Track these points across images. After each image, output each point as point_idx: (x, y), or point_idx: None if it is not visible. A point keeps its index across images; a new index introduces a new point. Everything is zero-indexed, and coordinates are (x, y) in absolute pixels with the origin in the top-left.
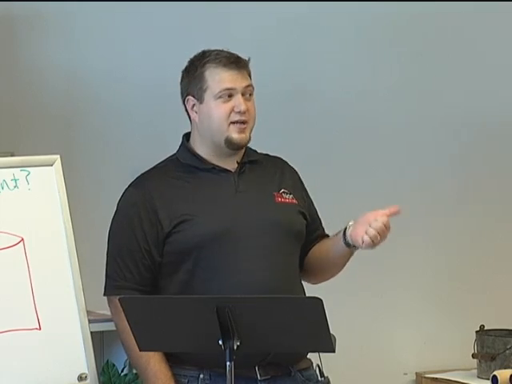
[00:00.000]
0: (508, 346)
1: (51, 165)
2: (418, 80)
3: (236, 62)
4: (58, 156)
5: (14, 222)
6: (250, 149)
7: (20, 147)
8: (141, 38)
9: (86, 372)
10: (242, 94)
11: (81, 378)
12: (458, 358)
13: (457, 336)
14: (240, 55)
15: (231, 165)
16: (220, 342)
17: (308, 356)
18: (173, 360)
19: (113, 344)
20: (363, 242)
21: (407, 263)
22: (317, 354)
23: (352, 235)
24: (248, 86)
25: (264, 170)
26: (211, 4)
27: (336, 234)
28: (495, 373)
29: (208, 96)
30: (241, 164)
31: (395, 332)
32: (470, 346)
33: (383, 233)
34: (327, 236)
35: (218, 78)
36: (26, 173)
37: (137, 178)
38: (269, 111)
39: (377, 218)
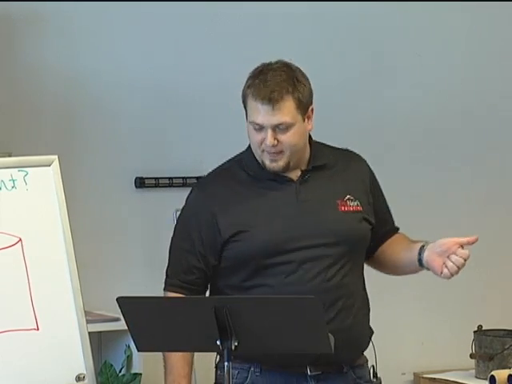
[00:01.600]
0: (506, 346)
1: (49, 165)
2: (428, 78)
3: (270, 99)
4: (56, 156)
5: (11, 223)
6: (322, 147)
7: (18, 147)
8: (139, 38)
9: (84, 372)
10: (274, 128)
11: (79, 378)
12: (456, 359)
13: (455, 336)
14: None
15: (295, 173)
16: (218, 343)
17: (363, 353)
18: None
19: (111, 344)
20: (442, 273)
21: None
22: (372, 352)
23: (429, 262)
24: (280, 123)
25: (330, 175)
26: (211, 4)
27: (411, 247)
28: (493, 373)
29: (247, 118)
30: (304, 172)
31: (393, 332)
32: (468, 346)
33: (462, 266)
34: (397, 230)
35: (251, 109)
36: (24, 173)
37: (203, 179)
38: None
39: (457, 252)
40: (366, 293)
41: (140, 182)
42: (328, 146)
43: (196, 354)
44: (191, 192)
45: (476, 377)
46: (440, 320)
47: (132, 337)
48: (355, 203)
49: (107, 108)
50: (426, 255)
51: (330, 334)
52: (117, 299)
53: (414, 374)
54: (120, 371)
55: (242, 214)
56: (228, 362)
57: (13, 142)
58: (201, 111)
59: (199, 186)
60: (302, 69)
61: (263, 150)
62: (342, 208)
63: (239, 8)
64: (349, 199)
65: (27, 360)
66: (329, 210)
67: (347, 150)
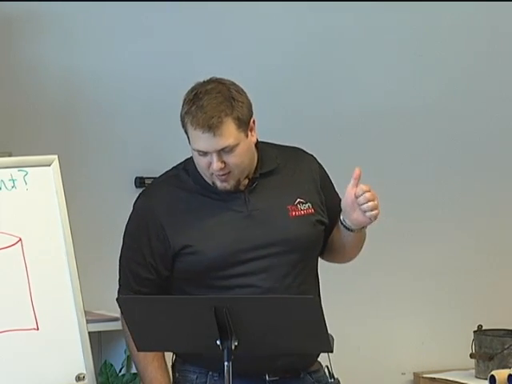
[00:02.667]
0: (506, 346)
1: (49, 165)
2: (430, 77)
3: (210, 127)
4: (56, 156)
5: (11, 222)
6: (269, 151)
7: (18, 147)
8: (139, 37)
9: (84, 372)
10: (219, 152)
11: (79, 378)
12: (456, 358)
13: (455, 336)
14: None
15: (242, 182)
16: (218, 343)
17: (317, 359)
18: (184, 358)
19: (111, 344)
20: (371, 219)
21: (405, 263)
22: (326, 355)
23: (353, 223)
24: (224, 147)
25: (279, 180)
26: (210, 4)
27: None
28: (493, 373)
29: (190, 144)
30: (252, 180)
31: (393, 332)
32: (468, 346)
33: (373, 197)
34: None
35: (193, 136)
36: (24, 173)
37: (148, 187)
38: (274, 109)
39: (357, 193)
40: (320, 294)
41: (140, 182)
42: (275, 146)
43: None
44: (137, 200)
45: (476, 377)
46: (440, 320)
47: (132, 337)
48: (306, 206)
49: (107, 108)
50: (347, 220)
51: (330, 334)
52: (117, 299)
53: (414, 373)
54: (120, 371)
55: (192, 227)
56: (228, 362)
57: (13, 141)
58: None
59: (146, 195)
60: (299, 67)
61: (212, 173)
62: (293, 213)
63: (240, 8)
64: (299, 203)
65: (27, 360)
66: (280, 217)
67: (295, 149)
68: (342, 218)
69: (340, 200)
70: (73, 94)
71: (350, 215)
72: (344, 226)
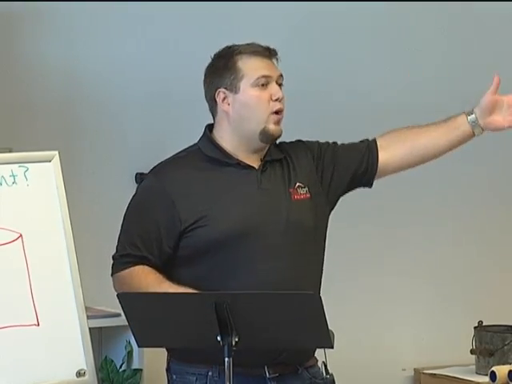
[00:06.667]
0: (506, 342)
1: (49, 161)
2: (431, 79)
3: (269, 50)
4: (57, 152)
5: (12, 218)
6: (275, 145)
7: (18, 143)
8: (140, 34)
9: (85, 368)
10: (276, 83)
11: (79, 374)
12: (457, 354)
13: (455, 332)
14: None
15: (255, 162)
16: (218, 338)
17: (314, 354)
18: (181, 357)
19: (111, 340)
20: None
21: (406, 259)
22: (322, 351)
23: (489, 124)
24: (281, 75)
25: (281, 166)
26: (211, 4)
27: (443, 124)
28: (493, 368)
29: (244, 84)
30: (265, 162)
31: (393, 328)
32: (469, 342)
33: None
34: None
35: (254, 66)
36: (25, 169)
37: (157, 166)
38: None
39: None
40: (321, 282)
41: (141, 178)
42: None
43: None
44: (145, 180)
45: (476, 372)
46: (440, 316)
47: (132, 332)
48: (304, 190)
49: (108, 104)
50: (481, 122)
51: (330, 329)
52: (117, 295)
53: (415, 369)
54: (120, 367)
55: (204, 201)
56: (229, 357)
57: (13, 137)
58: (201, 107)
59: (155, 174)
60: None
61: (270, 113)
62: (295, 197)
63: (240, 7)
64: (299, 187)
65: (27, 356)
66: (284, 199)
67: (291, 142)
68: (473, 118)
69: (347, 145)
70: (73, 90)
71: (487, 117)
72: (472, 127)
